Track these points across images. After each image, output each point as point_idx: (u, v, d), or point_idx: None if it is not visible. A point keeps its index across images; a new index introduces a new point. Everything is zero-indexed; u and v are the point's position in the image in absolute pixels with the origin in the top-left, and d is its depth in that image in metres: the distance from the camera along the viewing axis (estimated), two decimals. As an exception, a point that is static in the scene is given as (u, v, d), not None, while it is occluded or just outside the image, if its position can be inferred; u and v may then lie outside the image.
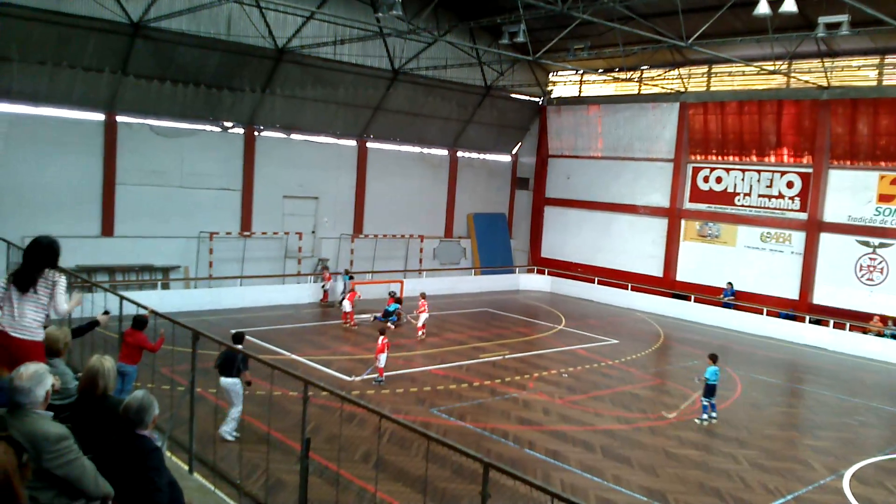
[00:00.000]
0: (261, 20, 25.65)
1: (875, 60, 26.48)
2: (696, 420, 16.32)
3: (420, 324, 22.79)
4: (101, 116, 24.60)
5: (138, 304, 11.31)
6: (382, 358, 17.09)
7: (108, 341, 12.78)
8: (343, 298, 24.70)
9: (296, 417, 12.74)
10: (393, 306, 24.28)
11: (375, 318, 24.21)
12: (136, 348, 12.48)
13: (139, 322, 12.56)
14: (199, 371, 9.17)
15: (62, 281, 6.96)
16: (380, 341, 17.15)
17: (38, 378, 4.68)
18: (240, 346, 12.24)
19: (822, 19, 19.24)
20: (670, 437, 14.96)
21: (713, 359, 16.45)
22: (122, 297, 11.67)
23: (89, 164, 24.47)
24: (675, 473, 12.99)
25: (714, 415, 16.31)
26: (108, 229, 24.93)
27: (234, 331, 13.67)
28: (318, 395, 13.56)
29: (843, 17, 18.79)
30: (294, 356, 19.19)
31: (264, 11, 25.47)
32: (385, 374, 17.66)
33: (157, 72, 24.72)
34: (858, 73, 26.93)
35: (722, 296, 29.35)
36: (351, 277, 26.45)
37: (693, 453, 14.11)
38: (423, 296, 23.25)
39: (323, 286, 27.37)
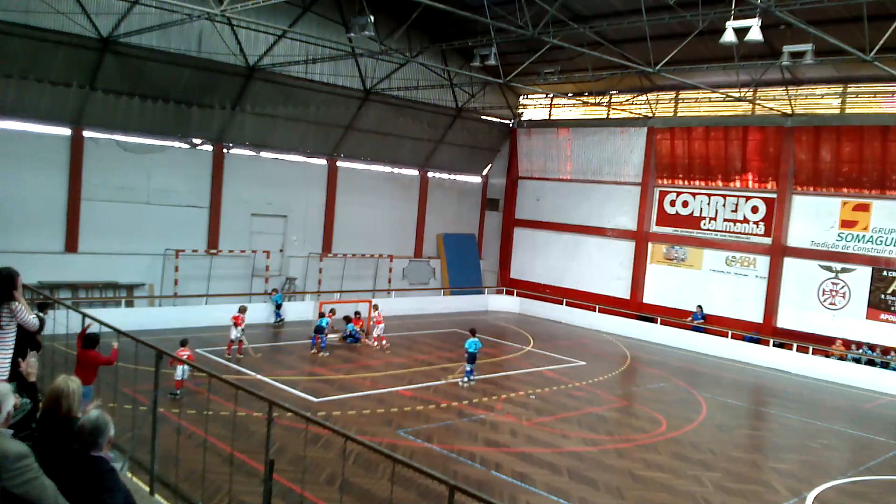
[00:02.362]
0: (232, 38, 25.59)
1: (838, 89, 27.08)
2: (460, 382, 19.77)
3: (374, 335, 23.90)
4: (67, 131, 24.29)
5: (97, 320, 11.13)
6: (179, 370, 16.40)
7: (69, 359, 12.55)
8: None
9: (260, 438, 12.59)
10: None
11: (345, 338, 24.10)
12: (90, 367, 12.18)
13: (90, 340, 12.24)
14: (162, 390, 9.05)
15: (18, 306, 7.27)
16: (177, 353, 16.58)
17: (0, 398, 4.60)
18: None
19: (787, 48, 19.63)
20: (636, 460, 14.99)
21: (472, 332, 20.37)
22: (84, 315, 11.51)
23: (54, 178, 24.12)
24: (640, 496, 13.01)
25: (473, 379, 19.98)
26: (72, 245, 24.55)
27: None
28: (283, 415, 13.42)
29: (808, 47, 19.18)
30: (259, 376, 18.97)
31: (236, 29, 25.43)
32: (351, 394, 17.50)
33: (126, 87, 24.51)
34: (822, 101, 27.52)
35: (691, 319, 29.61)
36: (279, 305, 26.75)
37: (659, 476, 14.15)
38: (376, 307, 25.40)
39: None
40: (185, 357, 16.21)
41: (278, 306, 26.69)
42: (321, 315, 23.95)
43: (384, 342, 23.88)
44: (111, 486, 4.99)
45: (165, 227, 26.42)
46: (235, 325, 20.71)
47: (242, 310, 21.30)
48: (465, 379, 19.91)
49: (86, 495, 4.85)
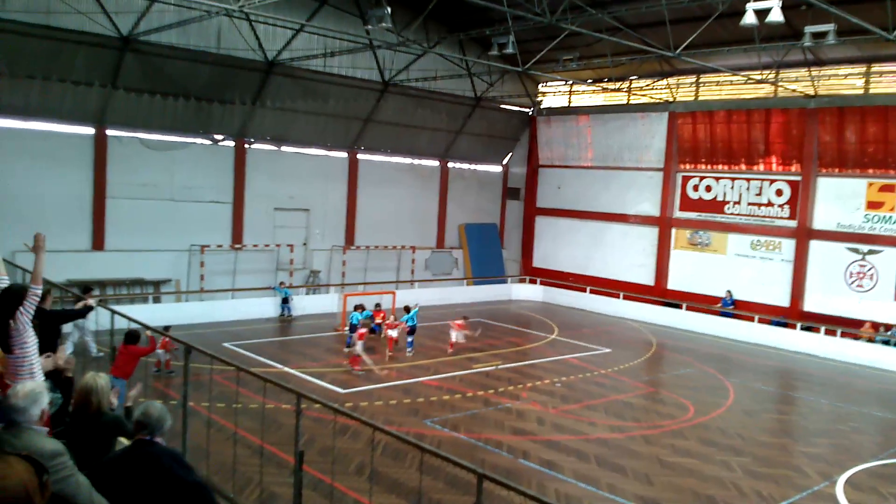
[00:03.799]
0: (250, 33, 25.69)
1: (861, 69, 26.69)
2: (407, 353, 21.41)
3: (454, 340, 22.55)
4: (90, 130, 24.54)
5: (130, 319, 11.29)
6: (161, 353, 17.05)
7: (100, 355, 12.72)
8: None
9: (289, 430, 12.68)
10: (355, 316, 22.12)
11: (372, 329, 24.13)
12: (129, 361, 12.42)
13: (131, 336, 12.52)
14: (193, 385, 9.17)
15: (21, 324, 6.95)
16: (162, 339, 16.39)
17: (34, 397, 4.68)
18: None
19: (809, 29, 19.40)
20: (664, 446, 14.96)
21: (406, 309, 22.08)
22: (113, 312, 11.67)
23: (79, 177, 24.39)
24: (669, 481, 12.99)
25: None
26: (98, 243, 24.84)
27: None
28: (312, 407, 13.51)
29: (830, 27, 18.95)
30: (287, 369, 19.12)
31: (254, 24, 25.52)
32: (377, 385, 17.62)
33: (147, 85, 24.70)
34: (845, 81, 27.13)
35: (720, 304, 29.39)
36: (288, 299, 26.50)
37: (687, 461, 14.11)
38: (465, 318, 23.61)
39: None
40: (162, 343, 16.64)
41: (285, 300, 26.64)
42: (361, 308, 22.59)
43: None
44: (186, 464, 5.22)
45: (190, 223, 26.65)
46: (359, 339, 19.89)
47: (366, 325, 20.73)
48: (410, 350, 21.70)
49: (158, 477, 5.02)
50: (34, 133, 23.48)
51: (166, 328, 17.19)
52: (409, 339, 21.81)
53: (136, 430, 5.22)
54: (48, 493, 3.43)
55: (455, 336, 22.55)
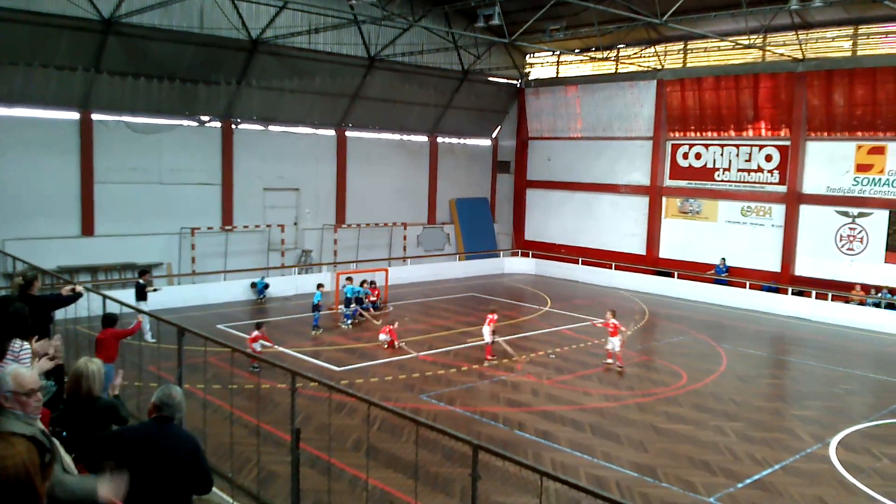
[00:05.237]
0: (233, 11, 25.43)
1: (849, 31, 26.62)
2: (342, 325, 22.08)
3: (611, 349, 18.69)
4: (76, 115, 24.34)
5: (122, 304, 11.26)
6: (258, 346, 16.86)
7: (91, 341, 12.71)
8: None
9: (285, 409, 12.73)
10: (317, 296, 22.08)
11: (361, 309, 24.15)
12: (111, 345, 12.37)
13: (108, 319, 12.45)
14: (187, 367, 9.17)
15: (26, 351, 6.38)
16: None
17: None
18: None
19: (795, -8, 19.34)
20: (659, 413, 15.08)
21: (351, 280, 23.00)
22: (104, 297, 11.65)
23: (66, 163, 24.23)
24: (664, 448, 13.11)
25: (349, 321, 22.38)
26: (88, 229, 24.72)
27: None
28: (307, 385, 13.54)
29: (816, -11, 18.88)
30: (281, 348, 19.15)
31: (237, 3, 25.25)
32: (372, 362, 17.66)
33: (131, 68, 24.47)
34: (833, 44, 27.08)
35: (714, 272, 29.48)
36: (266, 286, 26.22)
37: (682, 428, 14.24)
38: (614, 313, 18.99)
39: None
40: (256, 335, 17.13)
41: (265, 286, 26.42)
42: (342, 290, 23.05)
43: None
44: (202, 451, 5.45)
45: (179, 206, 26.55)
46: (488, 326, 19.10)
47: (493, 311, 19.92)
48: (349, 321, 22.34)
49: (177, 456, 5.24)
50: (19, 120, 23.28)
51: (258, 325, 17.71)
52: (353, 309, 22.51)
53: (156, 410, 5.36)
54: (50, 474, 3.44)
55: (612, 344, 18.44)
